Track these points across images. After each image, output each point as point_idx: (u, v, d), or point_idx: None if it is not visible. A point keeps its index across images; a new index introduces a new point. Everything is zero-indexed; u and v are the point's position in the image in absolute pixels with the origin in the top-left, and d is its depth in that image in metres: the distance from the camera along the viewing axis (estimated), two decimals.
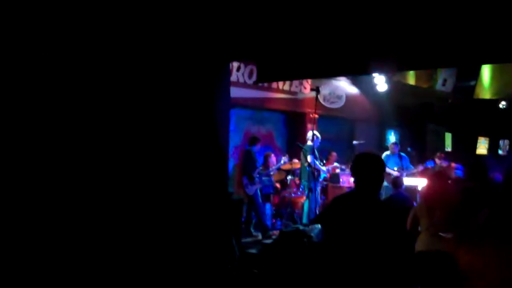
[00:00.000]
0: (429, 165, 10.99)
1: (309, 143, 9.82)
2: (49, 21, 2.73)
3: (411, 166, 10.75)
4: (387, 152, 10.83)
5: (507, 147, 16.53)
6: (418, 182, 9.68)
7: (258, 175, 8.88)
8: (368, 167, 3.47)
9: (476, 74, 12.19)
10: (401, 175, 9.90)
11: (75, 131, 2.78)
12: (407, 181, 9.76)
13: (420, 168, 10.65)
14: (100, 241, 2.70)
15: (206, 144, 2.73)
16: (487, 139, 16.31)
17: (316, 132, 9.98)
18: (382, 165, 3.55)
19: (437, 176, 5.66)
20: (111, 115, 2.78)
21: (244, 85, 9.77)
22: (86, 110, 2.80)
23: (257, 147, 9.17)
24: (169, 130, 2.62)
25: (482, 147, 16.12)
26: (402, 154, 10.90)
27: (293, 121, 11.82)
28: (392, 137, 13.99)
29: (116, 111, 2.78)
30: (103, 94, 2.85)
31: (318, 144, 9.83)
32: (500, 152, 16.09)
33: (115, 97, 2.81)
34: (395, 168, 10.52)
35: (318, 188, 9.48)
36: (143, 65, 2.89)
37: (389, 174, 10.17)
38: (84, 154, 2.73)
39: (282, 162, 9.65)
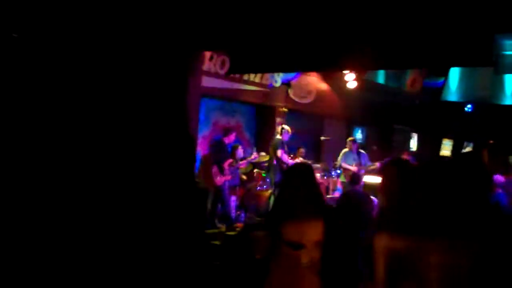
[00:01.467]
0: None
1: (278, 137, 9.85)
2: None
3: (369, 162, 10.90)
4: (346, 149, 10.95)
5: (468, 149, 16.90)
6: (378, 180, 9.80)
7: (229, 167, 8.84)
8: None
9: (444, 76, 12.39)
10: (359, 172, 10.04)
11: (42, 116, 2.72)
12: (367, 178, 9.89)
13: (378, 164, 10.79)
14: (65, 228, 2.65)
15: (174, 133, 2.70)
16: (451, 141, 16.64)
17: (286, 126, 10.01)
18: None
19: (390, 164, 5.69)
20: (79, 102, 2.72)
21: (216, 75, 9.71)
22: (52, 97, 2.74)
23: (230, 138, 9.11)
24: (137, 118, 2.59)
25: (446, 149, 16.43)
26: (361, 151, 11.04)
27: (262, 114, 11.81)
28: (359, 135, 14.13)
29: (84, 99, 2.73)
30: (70, 81, 2.79)
31: (288, 138, 9.87)
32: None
33: (84, 85, 2.76)
34: (353, 164, 10.65)
35: None
36: (113, 53, 2.84)
37: (348, 170, 10.33)
38: (49, 143, 2.67)
39: (252, 156, 9.63)
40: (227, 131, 9.18)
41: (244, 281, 3.91)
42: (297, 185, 3.46)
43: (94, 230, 2.62)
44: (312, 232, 3.38)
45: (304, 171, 3.60)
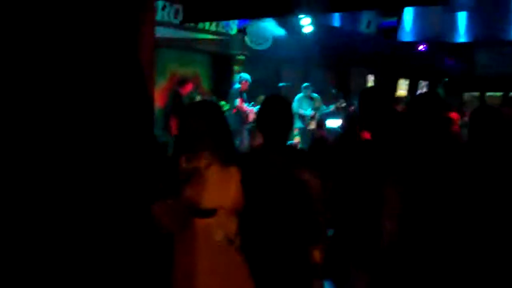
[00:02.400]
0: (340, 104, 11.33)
1: (237, 85, 9.81)
2: None
3: (324, 106, 11.06)
4: (300, 95, 11.03)
5: (424, 88, 17.22)
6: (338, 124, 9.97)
7: None
8: (277, 113, 3.01)
9: (398, 17, 12.45)
10: (314, 116, 10.21)
11: None
12: (329, 123, 10.05)
13: (332, 108, 10.98)
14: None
15: (129, 86, 2.66)
16: (407, 80, 16.90)
17: (244, 74, 9.96)
18: (290, 108, 3.13)
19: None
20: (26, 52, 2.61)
21: (170, 24, 9.50)
22: None
23: (186, 89, 9.00)
24: (89, 71, 2.53)
25: (402, 88, 16.69)
26: (314, 95, 11.17)
27: (219, 63, 11.69)
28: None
29: (32, 51, 2.63)
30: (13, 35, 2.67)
31: (247, 87, 9.84)
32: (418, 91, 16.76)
33: (29, 37, 2.65)
34: (310, 110, 10.80)
35: (245, 132, 9.56)
36: (57, 7, 2.71)
37: (303, 116, 10.48)
38: None
39: None
40: (182, 82, 9.05)
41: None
42: (200, 129, 2.52)
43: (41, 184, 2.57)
44: (224, 195, 2.56)
45: (208, 110, 2.61)
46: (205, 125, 2.51)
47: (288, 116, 3.03)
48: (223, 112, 2.64)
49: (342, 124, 5.64)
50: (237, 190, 2.59)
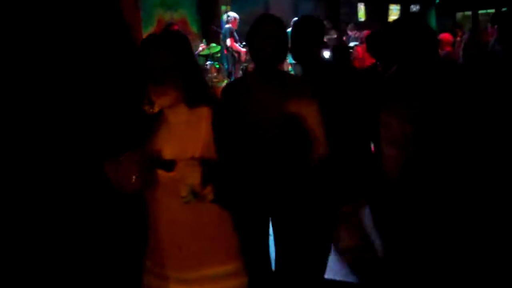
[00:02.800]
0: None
1: (227, 25, 9.63)
2: None
3: None
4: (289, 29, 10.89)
5: (418, 11, 16.94)
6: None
7: None
8: (269, 33, 2.75)
9: None
10: None
11: None
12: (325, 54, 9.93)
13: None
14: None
15: (115, 35, 2.60)
16: (399, 5, 16.60)
17: (232, 13, 9.76)
18: (283, 28, 2.85)
19: None
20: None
21: None
22: None
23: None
24: (67, 22, 2.46)
25: (394, 14, 16.43)
26: None
27: (206, 4, 11.45)
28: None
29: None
30: None
31: (237, 25, 9.67)
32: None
33: None
34: None
35: (239, 72, 9.48)
36: None
37: None
38: None
39: (200, 48, 9.46)
40: (169, 26, 8.91)
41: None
42: (164, 63, 2.03)
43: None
44: (188, 142, 2.08)
45: (172, 41, 2.09)
46: (169, 58, 2.03)
47: (282, 37, 2.78)
48: (190, 45, 2.17)
49: (332, 54, 5.52)
50: (206, 135, 2.07)
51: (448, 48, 6.29)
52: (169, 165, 2.05)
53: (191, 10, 11.38)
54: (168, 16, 10.55)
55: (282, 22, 2.85)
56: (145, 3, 9.29)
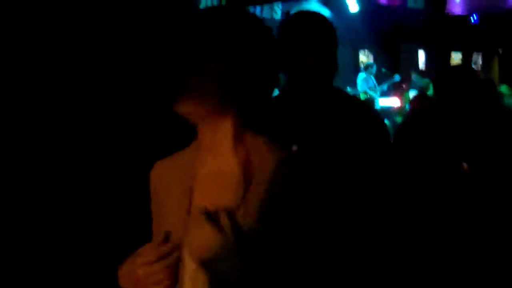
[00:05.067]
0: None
1: None
2: None
3: (378, 86, 10.94)
4: (364, 75, 10.90)
5: (479, 60, 16.64)
6: (392, 102, 9.80)
7: None
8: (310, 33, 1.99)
9: None
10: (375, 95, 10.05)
11: None
12: (382, 102, 9.88)
13: (386, 87, 10.79)
14: None
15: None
16: (460, 53, 16.37)
17: None
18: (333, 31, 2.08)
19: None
20: None
21: None
22: None
23: None
24: None
25: (455, 62, 16.20)
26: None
27: None
28: (363, 57, 13.99)
29: None
30: None
31: None
32: (473, 66, 16.25)
33: None
34: (368, 89, 10.67)
35: None
36: None
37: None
38: None
39: None
40: None
41: None
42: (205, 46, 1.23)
43: None
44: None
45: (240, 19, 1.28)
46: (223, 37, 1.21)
47: (330, 39, 2.04)
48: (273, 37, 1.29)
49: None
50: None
51: None
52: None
53: None
54: None
55: (327, 20, 2.12)
56: None
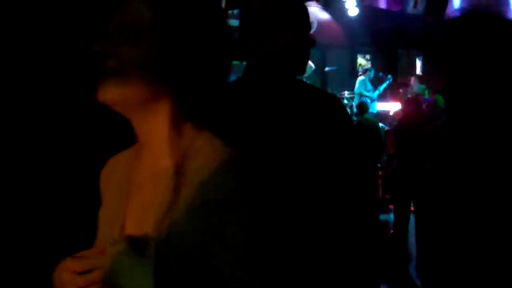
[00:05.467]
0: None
1: None
2: None
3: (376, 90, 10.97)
4: (362, 77, 10.90)
5: None
6: (390, 107, 9.77)
7: None
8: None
9: None
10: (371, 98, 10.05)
11: None
12: (379, 106, 9.87)
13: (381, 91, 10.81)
14: None
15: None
16: None
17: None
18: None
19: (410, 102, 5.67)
20: None
21: None
22: None
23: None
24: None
25: None
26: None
27: None
28: (361, 61, 14.01)
29: None
30: None
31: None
32: None
33: None
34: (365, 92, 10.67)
35: None
36: None
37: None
38: None
39: None
40: None
41: None
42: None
43: None
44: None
45: None
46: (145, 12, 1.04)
47: (295, 25, 1.78)
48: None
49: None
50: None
51: None
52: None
53: None
54: None
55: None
56: None
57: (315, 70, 11.62)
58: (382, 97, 10.93)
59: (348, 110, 10.57)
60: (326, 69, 11.63)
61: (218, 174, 0.98)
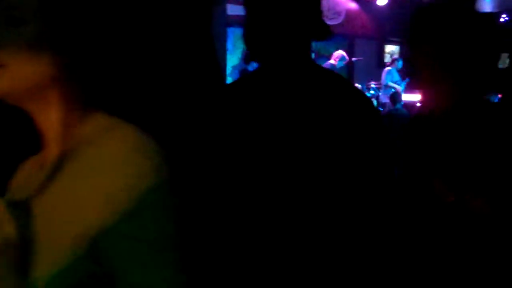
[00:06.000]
0: None
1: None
2: None
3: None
4: (389, 67, 10.79)
5: (507, 60, 16.39)
6: (417, 98, 9.67)
7: None
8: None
9: None
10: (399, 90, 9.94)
11: None
12: (406, 97, 9.77)
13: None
14: None
15: (202, 64, 2.70)
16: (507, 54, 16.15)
17: (342, 52, 9.80)
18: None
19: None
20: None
21: (241, 3, 9.50)
22: None
23: (254, 65, 9.04)
24: (165, 50, 2.59)
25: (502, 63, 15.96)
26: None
27: None
28: (390, 50, 13.87)
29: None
30: None
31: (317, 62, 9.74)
32: (500, 66, 15.97)
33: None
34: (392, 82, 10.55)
35: None
36: None
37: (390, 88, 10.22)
38: None
39: None
40: (248, 57, 9.06)
41: None
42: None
43: None
44: None
45: None
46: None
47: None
48: None
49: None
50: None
51: None
52: None
53: None
54: None
55: None
56: (231, 36, 9.54)
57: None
58: (408, 88, 10.83)
59: (374, 102, 10.53)
60: (353, 59, 11.56)
61: (117, 165, 0.88)
